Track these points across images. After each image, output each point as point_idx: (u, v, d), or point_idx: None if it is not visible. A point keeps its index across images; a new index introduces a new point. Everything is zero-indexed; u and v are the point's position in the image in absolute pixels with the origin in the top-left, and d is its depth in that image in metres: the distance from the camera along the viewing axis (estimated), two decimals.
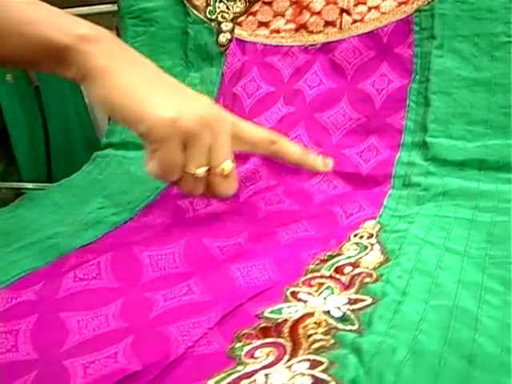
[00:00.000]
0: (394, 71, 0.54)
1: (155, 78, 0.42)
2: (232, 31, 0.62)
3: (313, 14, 0.59)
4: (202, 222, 0.47)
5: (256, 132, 0.44)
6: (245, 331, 0.33)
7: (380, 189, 0.50)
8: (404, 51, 0.54)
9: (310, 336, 0.32)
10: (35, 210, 0.53)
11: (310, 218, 0.47)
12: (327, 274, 0.39)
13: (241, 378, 0.29)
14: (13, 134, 1.12)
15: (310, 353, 0.30)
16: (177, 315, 0.35)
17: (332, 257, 0.41)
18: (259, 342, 0.32)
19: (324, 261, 0.41)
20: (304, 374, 0.28)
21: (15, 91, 1.12)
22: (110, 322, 0.36)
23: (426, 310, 0.34)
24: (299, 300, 0.36)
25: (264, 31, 0.61)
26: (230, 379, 0.29)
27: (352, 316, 0.33)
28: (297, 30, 0.59)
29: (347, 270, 0.39)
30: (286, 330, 0.33)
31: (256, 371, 0.29)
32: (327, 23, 0.58)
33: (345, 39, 0.57)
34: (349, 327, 0.32)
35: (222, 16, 0.63)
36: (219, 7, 0.63)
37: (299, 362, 0.29)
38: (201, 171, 0.40)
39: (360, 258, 0.41)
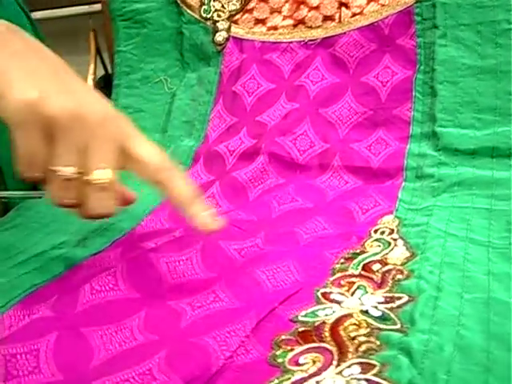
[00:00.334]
0: (397, 63, 0.54)
1: (42, 68, 0.36)
2: (228, 30, 0.61)
3: (311, 8, 0.58)
4: None
5: (148, 152, 0.37)
6: (283, 337, 0.33)
7: (392, 182, 0.50)
8: (406, 42, 0.54)
9: (353, 338, 0.31)
10: (35, 220, 0.52)
11: (326, 216, 0.46)
12: (356, 272, 0.38)
13: None
14: None
15: (358, 356, 0.30)
16: (209, 324, 0.34)
17: (356, 254, 0.41)
18: (301, 347, 0.31)
19: (349, 259, 0.41)
20: (359, 379, 0.27)
21: None
22: (137, 336, 0.35)
23: (462, 305, 0.34)
24: (332, 301, 0.36)
25: (261, 28, 0.60)
26: None
27: (392, 315, 0.33)
28: (295, 25, 0.59)
29: (376, 267, 0.39)
30: (326, 333, 0.32)
31: (305, 379, 0.28)
32: (326, 17, 0.57)
33: (345, 33, 0.56)
34: (391, 327, 0.32)
35: (217, 15, 0.62)
36: (214, 6, 0.62)
37: (349, 366, 0.29)
38: (68, 171, 0.34)
39: (386, 254, 0.40)
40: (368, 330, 0.32)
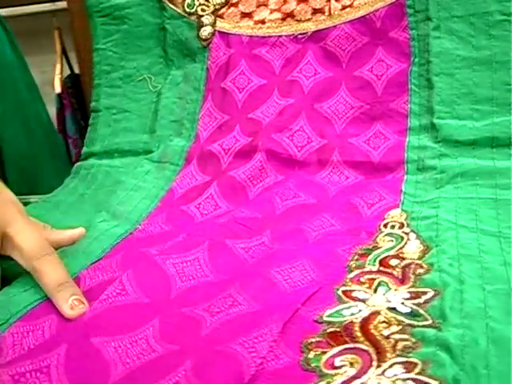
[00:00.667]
0: (390, 55, 0.53)
1: None
2: (214, 24, 0.59)
3: (299, 1, 0.57)
4: (219, 224, 0.44)
5: (25, 240, 0.38)
6: (311, 339, 0.31)
7: (393, 175, 0.49)
8: (399, 35, 0.53)
9: (387, 337, 0.30)
10: None
11: (331, 212, 0.45)
12: (374, 268, 0.38)
13: None
14: None
15: (397, 355, 0.29)
16: (232, 330, 0.33)
17: (369, 250, 0.40)
18: (334, 349, 0.30)
19: (363, 255, 0.40)
20: (405, 380, 0.26)
21: None
22: (155, 347, 0.32)
23: (486, 297, 0.33)
24: (355, 299, 0.34)
25: (248, 22, 0.59)
26: None
27: (421, 311, 0.32)
28: (283, 19, 0.57)
29: (394, 262, 0.38)
30: (358, 333, 0.31)
31: (347, 383, 0.27)
32: (315, 11, 0.56)
33: (336, 26, 0.55)
34: (423, 323, 0.31)
35: (201, 9, 0.59)
36: (198, 0, 0.59)
37: (391, 366, 0.28)
38: None
39: (400, 248, 0.39)
40: (400, 327, 0.31)
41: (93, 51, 0.63)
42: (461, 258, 0.37)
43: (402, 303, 0.33)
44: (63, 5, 1.09)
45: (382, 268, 0.37)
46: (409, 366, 0.28)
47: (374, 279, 0.36)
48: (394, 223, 0.43)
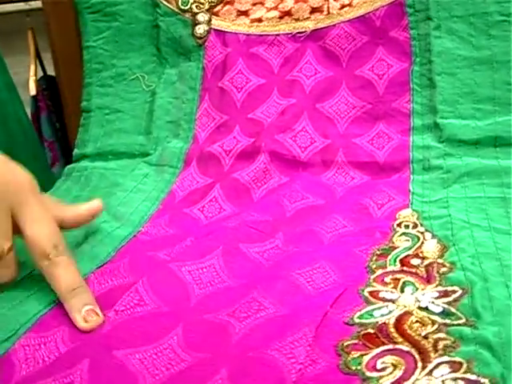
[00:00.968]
0: (391, 55, 0.53)
1: None
2: (209, 22, 0.58)
3: (297, 0, 0.56)
4: (230, 228, 0.43)
5: (37, 234, 0.35)
6: (347, 342, 0.31)
7: (399, 175, 0.49)
8: (399, 34, 0.53)
9: (425, 337, 0.30)
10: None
11: (342, 213, 0.45)
12: (396, 268, 0.37)
13: None
14: None
15: (440, 355, 0.28)
16: (265, 336, 0.31)
17: (387, 250, 0.40)
18: (373, 351, 0.29)
19: (381, 255, 0.39)
20: (455, 379, 0.26)
21: None
22: (183, 356, 0.31)
23: (511, 294, 0.33)
24: (383, 300, 0.34)
25: (244, 20, 0.57)
26: None
27: (452, 309, 0.32)
28: (281, 17, 0.57)
29: (415, 262, 0.37)
30: (395, 334, 0.30)
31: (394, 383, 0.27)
32: (314, 9, 0.56)
33: (335, 25, 0.55)
34: (457, 321, 0.31)
35: (196, 6, 0.58)
36: None
37: (436, 366, 0.27)
38: None
39: (418, 248, 0.39)
40: (435, 326, 0.31)
41: (83, 49, 0.61)
42: (480, 256, 0.37)
43: (433, 302, 0.33)
44: (37, 4, 1.06)
45: (405, 268, 0.37)
46: (454, 366, 0.27)
47: (399, 279, 0.36)
48: (407, 223, 0.43)
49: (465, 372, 0.27)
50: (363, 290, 0.35)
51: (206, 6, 0.58)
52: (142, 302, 0.35)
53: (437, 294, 0.34)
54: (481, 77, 0.50)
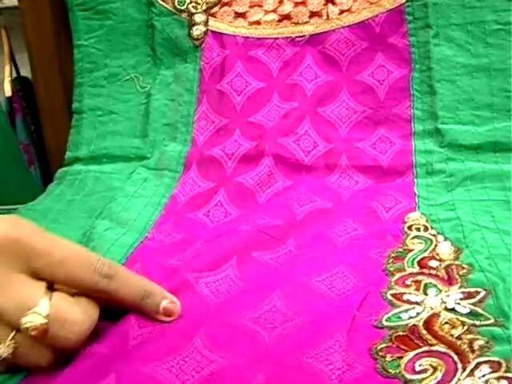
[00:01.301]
0: (391, 61, 0.54)
1: None
2: (206, 23, 0.57)
3: (296, 4, 0.56)
4: (242, 232, 0.42)
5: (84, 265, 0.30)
6: (380, 345, 0.30)
7: (403, 179, 0.49)
8: (398, 41, 0.54)
9: (459, 337, 0.30)
10: None
11: (351, 216, 0.45)
12: (415, 270, 0.37)
13: None
14: None
15: (478, 355, 0.28)
16: (297, 344, 0.31)
17: (402, 253, 0.40)
18: (409, 353, 0.29)
19: (397, 258, 0.39)
20: (498, 378, 0.26)
21: None
22: (211, 357, 0.30)
23: None
24: (408, 302, 0.34)
25: (242, 23, 0.57)
26: None
27: (479, 310, 0.32)
28: (280, 20, 0.56)
29: (434, 264, 0.38)
30: (427, 336, 0.30)
31: None
32: (313, 13, 0.56)
33: (334, 30, 0.55)
34: (486, 322, 0.31)
35: (193, 6, 0.57)
36: None
37: (476, 367, 0.27)
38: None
39: (433, 250, 0.40)
40: (466, 327, 0.31)
41: (73, 47, 0.58)
42: (495, 257, 0.38)
43: (459, 303, 0.33)
44: (10, 3, 1.02)
45: (424, 270, 0.37)
46: (494, 365, 0.27)
47: (420, 281, 0.36)
48: (417, 226, 0.43)
49: (505, 371, 0.27)
50: (386, 293, 0.35)
51: (203, 7, 0.57)
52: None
53: (461, 296, 0.34)
54: (479, 84, 0.51)
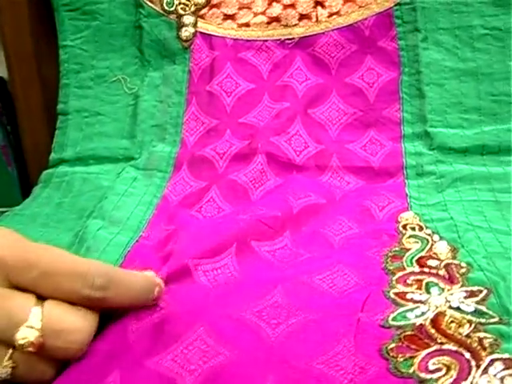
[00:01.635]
0: (380, 64, 0.54)
1: None
2: (195, 25, 0.56)
3: (285, 6, 0.56)
4: (241, 221, 0.42)
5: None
6: (390, 345, 0.30)
7: (394, 180, 0.50)
8: (388, 44, 0.54)
9: (468, 336, 0.30)
10: None
11: (345, 214, 0.45)
12: (415, 269, 0.37)
13: None
14: None
15: (489, 352, 0.28)
16: (304, 344, 0.30)
17: (399, 252, 0.40)
18: (421, 353, 0.29)
19: (395, 257, 0.40)
20: None
21: None
22: (217, 348, 0.30)
23: None
24: (412, 301, 0.34)
25: (231, 24, 0.57)
26: None
27: (484, 308, 0.32)
28: (269, 23, 0.56)
29: (433, 263, 0.38)
30: (436, 334, 0.30)
31: None
32: (302, 16, 0.56)
33: (323, 33, 0.55)
34: (491, 320, 0.31)
35: (181, 8, 0.56)
36: None
37: (490, 364, 0.28)
38: None
39: (430, 249, 0.40)
40: (473, 325, 0.31)
41: (59, 47, 0.57)
42: (492, 256, 0.38)
43: (463, 302, 0.33)
44: None
45: (424, 269, 0.37)
46: (507, 362, 0.28)
47: (421, 280, 0.36)
48: (411, 225, 0.43)
49: None
50: (389, 292, 0.35)
51: (192, 9, 0.57)
52: (157, 308, 0.33)
53: (464, 294, 0.34)
54: (467, 88, 0.52)
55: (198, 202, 0.48)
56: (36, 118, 0.69)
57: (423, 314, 0.33)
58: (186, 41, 0.56)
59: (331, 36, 0.55)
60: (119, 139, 0.54)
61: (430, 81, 0.52)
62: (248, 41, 0.56)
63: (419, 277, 0.37)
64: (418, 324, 0.32)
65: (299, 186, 0.48)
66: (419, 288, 0.35)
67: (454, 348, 0.29)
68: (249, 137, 0.52)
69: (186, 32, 0.56)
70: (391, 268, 0.38)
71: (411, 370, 0.28)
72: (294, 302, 0.34)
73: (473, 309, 0.32)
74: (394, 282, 0.36)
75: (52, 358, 0.28)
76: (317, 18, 0.56)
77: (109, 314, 0.32)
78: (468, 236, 0.41)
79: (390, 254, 0.40)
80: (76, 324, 0.28)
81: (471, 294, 0.34)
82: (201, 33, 0.57)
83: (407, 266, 0.38)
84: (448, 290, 0.35)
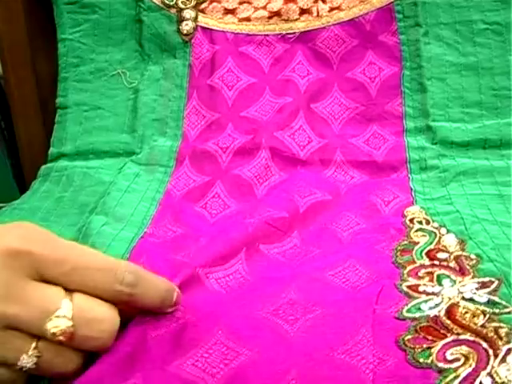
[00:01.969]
0: (381, 59, 0.54)
1: None
2: (195, 19, 0.56)
3: (286, 1, 0.56)
4: (249, 225, 0.42)
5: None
6: (406, 336, 0.30)
7: (397, 175, 0.50)
8: (389, 39, 0.55)
9: (483, 326, 0.30)
10: None
11: (352, 209, 0.45)
12: (426, 262, 0.38)
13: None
14: None
15: (506, 341, 0.29)
16: (324, 337, 0.30)
17: (408, 246, 0.40)
18: (438, 343, 0.29)
19: (404, 251, 0.40)
20: None
21: None
22: (238, 349, 0.29)
23: None
24: (425, 293, 0.34)
25: (232, 19, 0.56)
26: None
27: (497, 299, 0.33)
28: (270, 17, 0.56)
29: (442, 255, 0.38)
30: (452, 325, 0.30)
31: (473, 374, 0.27)
32: (303, 11, 0.56)
33: (324, 27, 0.55)
34: (505, 310, 0.32)
35: (182, 2, 0.56)
36: None
37: (508, 353, 0.28)
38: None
39: (438, 242, 0.40)
40: (487, 316, 0.31)
41: (58, 41, 0.56)
42: (500, 247, 0.39)
43: (475, 293, 0.33)
44: None
45: (435, 261, 0.37)
46: None
47: (432, 272, 0.36)
48: (418, 219, 0.44)
49: None
50: (401, 285, 0.35)
51: (193, 3, 0.56)
52: (174, 318, 0.32)
53: (476, 285, 0.34)
54: (468, 82, 0.52)
55: (202, 197, 0.48)
56: (30, 114, 0.68)
57: (437, 305, 0.33)
58: (187, 35, 0.56)
59: (332, 30, 0.55)
60: (119, 133, 0.54)
61: (431, 75, 0.53)
62: (249, 35, 0.56)
63: (430, 269, 0.37)
64: (432, 315, 0.32)
65: (304, 182, 0.48)
66: (431, 280, 0.36)
67: (471, 338, 0.29)
68: (252, 131, 0.52)
69: (187, 26, 0.56)
70: (401, 261, 0.38)
71: (429, 360, 0.28)
72: (308, 298, 0.34)
73: (486, 299, 0.33)
74: (405, 275, 0.36)
75: (81, 348, 0.28)
76: (318, 12, 0.56)
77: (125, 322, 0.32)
78: (475, 228, 0.41)
79: (399, 247, 0.40)
80: (106, 314, 0.28)
81: (483, 285, 0.34)
82: (201, 27, 0.56)
83: (417, 259, 0.38)
84: (460, 282, 0.35)
